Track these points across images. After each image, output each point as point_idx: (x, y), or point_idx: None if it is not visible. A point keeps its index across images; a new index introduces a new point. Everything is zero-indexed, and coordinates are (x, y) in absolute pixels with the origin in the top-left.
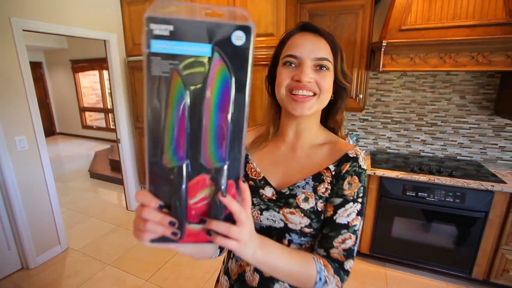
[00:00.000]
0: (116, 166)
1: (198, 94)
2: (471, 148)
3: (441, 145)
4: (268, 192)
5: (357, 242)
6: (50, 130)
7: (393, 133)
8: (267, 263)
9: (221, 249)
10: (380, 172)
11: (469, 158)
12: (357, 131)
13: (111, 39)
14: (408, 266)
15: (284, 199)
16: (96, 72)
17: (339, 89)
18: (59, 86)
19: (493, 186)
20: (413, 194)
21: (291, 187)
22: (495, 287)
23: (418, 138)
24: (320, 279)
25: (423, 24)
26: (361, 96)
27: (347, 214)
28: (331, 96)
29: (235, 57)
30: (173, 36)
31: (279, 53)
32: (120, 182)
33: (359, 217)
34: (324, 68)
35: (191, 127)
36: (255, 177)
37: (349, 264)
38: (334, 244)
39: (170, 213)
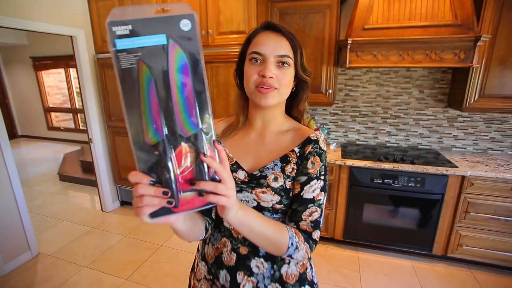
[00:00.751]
0: (88, 167)
1: (163, 75)
2: (430, 137)
3: (404, 136)
4: (240, 175)
5: (323, 214)
6: (10, 133)
7: (362, 125)
8: (247, 223)
9: (206, 230)
10: (350, 162)
11: (428, 147)
12: (328, 125)
13: (79, 35)
14: (378, 249)
15: (255, 180)
16: (62, 70)
17: (300, 82)
18: (19, 85)
19: (447, 171)
20: (380, 181)
21: (261, 169)
22: (452, 261)
23: (384, 130)
24: (292, 244)
25: (383, 24)
26: (330, 91)
27: (312, 190)
28: (293, 88)
29: (186, 40)
30: (133, 34)
31: (245, 50)
32: (93, 183)
33: (323, 192)
34: (286, 65)
35: (163, 104)
36: (229, 162)
37: (316, 234)
38: (303, 217)
39: (162, 186)
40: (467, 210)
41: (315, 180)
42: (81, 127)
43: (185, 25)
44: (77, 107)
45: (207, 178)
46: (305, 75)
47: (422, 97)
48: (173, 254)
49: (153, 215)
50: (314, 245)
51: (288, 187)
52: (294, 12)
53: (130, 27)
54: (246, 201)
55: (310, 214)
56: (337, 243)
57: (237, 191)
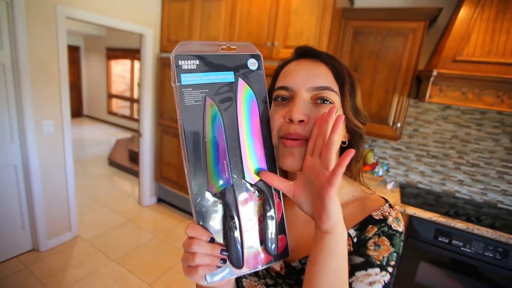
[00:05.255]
0: (134, 157)
1: (231, 113)
2: None
3: (481, 189)
4: (276, 265)
5: None
6: (78, 112)
7: (428, 167)
8: (335, 254)
9: None
10: (411, 211)
11: (511, 208)
12: (387, 160)
13: (147, 34)
14: None
15: (295, 275)
16: (128, 62)
17: (351, 132)
18: (92, 71)
19: None
20: (446, 241)
21: (303, 260)
22: None
23: (455, 177)
24: None
25: (482, 57)
26: (399, 124)
27: (369, 282)
28: (344, 142)
29: (253, 79)
30: (199, 69)
31: (272, 89)
32: (136, 174)
33: None
34: (327, 102)
35: (230, 145)
36: None
37: None
38: None
39: (221, 244)
40: None
41: (378, 270)
42: (135, 116)
43: (253, 64)
44: (135, 97)
45: (273, 231)
46: (358, 122)
47: None
48: None
49: (211, 276)
50: None
51: None
52: (370, 33)
53: (197, 62)
54: None
55: None
56: None
57: (271, 286)
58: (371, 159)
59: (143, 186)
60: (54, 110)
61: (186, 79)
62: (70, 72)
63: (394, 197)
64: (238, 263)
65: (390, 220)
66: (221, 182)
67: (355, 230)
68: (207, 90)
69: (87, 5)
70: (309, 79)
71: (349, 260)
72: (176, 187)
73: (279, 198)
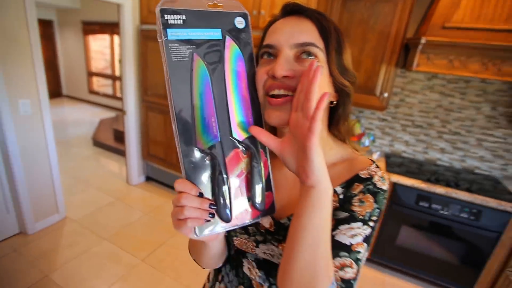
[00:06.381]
0: (119, 136)
1: (218, 71)
2: (492, 162)
3: (461, 156)
4: (265, 222)
5: (358, 276)
6: (56, 92)
7: (412, 137)
8: (314, 213)
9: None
10: (395, 178)
11: (487, 173)
12: (373, 131)
13: (125, 4)
14: (408, 275)
15: (283, 232)
16: (107, 37)
17: (338, 92)
18: (69, 47)
19: None
20: (427, 205)
21: (291, 217)
22: None
23: (438, 145)
24: (333, 284)
25: (470, 23)
26: (386, 94)
27: (351, 234)
28: (332, 102)
29: (240, 38)
30: (186, 25)
31: (260, 49)
32: (122, 153)
33: (365, 244)
34: (312, 56)
35: (218, 103)
36: None
37: None
38: None
39: (209, 199)
40: None
41: (360, 224)
42: (118, 95)
43: (240, 22)
44: (117, 74)
45: (261, 185)
46: (345, 80)
47: (494, 115)
48: None
49: (200, 230)
50: None
51: None
52: (359, 0)
53: (184, 17)
54: (271, 255)
55: (342, 267)
56: None
57: (260, 242)
58: (357, 129)
59: (130, 165)
60: (29, 88)
61: (173, 34)
62: (45, 49)
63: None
64: (226, 218)
65: (376, 178)
66: (209, 138)
67: (342, 187)
68: (194, 46)
69: None
70: (292, 36)
71: (334, 215)
72: (164, 164)
73: (266, 156)
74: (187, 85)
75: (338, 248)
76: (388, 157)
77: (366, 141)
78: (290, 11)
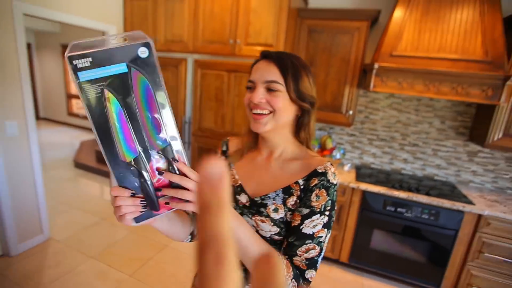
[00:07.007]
0: (102, 157)
1: (129, 100)
2: (447, 169)
3: (421, 165)
4: (243, 198)
5: (322, 253)
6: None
7: (378, 149)
8: (235, 234)
9: (192, 236)
10: (364, 186)
11: (444, 179)
12: (344, 145)
13: (110, 31)
14: (384, 277)
15: (256, 207)
16: None
17: (301, 108)
18: (47, 70)
19: (464, 207)
20: (393, 209)
21: (263, 197)
22: None
23: (401, 156)
24: None
25: (412, 52)
26: (350, 112)
27: (313, 225)
28: (297, 114)
29: (145, 66)
30: (93, 65)
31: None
32: (104, 174)
33: (325, 229)
34: (273, 90)
35: (133, 126)
36: (233, 183)
37: (310, 274)
38: (298, 252)
39: (141, 196)
40: (481, 250)
41: (318, 215)
42: None
43: (143, 52)
44: None
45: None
46: (302, 102)
47: (443, 128)
48: (177, 255)
49: (138, 219)
50: (305, 286)
51: (289, 219)
52: (322, 31)
53: (90, 59)
54: None
55: (307, 251)
56: (342, 265)
57: (239, 214)
58: (329, 144)
59: (114, 184)
60: (16, 110)
61: (83, 76)
62: None
63: (350, 177)
64: (155, 208)
65: (329, 174)
66: (130, 153)
67: (303, 180)
68: (104, 82)
69: (46, 1)
70: (262, 75)
71: (299, 211)
72: None
73: (183, 158)
74: (104, 115)
75: (304, 238)
76: (358, 168)
77: (338, 155)
78: (263, 56)
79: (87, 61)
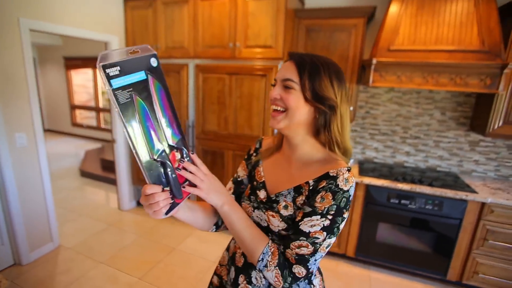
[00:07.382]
0: (107, 165)
1: (150, 102)
2: (449, 160)
3: (423, 157)
4: (261, 194)
5: (316, 254)
6: None
7: (380, 144)
8: (229, 219)
9: (217, 226)
10: (367, 180)
11: (447, 170)
12: None
13: (112, 41)
14: (391, 269)
15: (270, 203)
16: (89, 70)
17: (317, 109)
18: (50, 82)
19: (467, 196)
20: (397, 202)
21: (277, 194)
22: None
23: (403, 149)
24: (262, 259)
25: (409, 46)
26: (351, 108)
27: (311, 225)
28: (315, 115)
29: (156, 73)
30: (121, 73)
31: None
32: (111, 181)
33: (325, 232)
34: (288, 88)
35: (155, 124)
36: (258, 179)
37: (298, 269)
38: (291, 246)
39: (168, 190)
40: (486, 238)
41: (319, 217)
42: (102, 126)
43: (154, 62)
44: (101, 106)
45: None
46: (317, 103)
47: (444, 119)
48: (186, 258)
49: (167, 212)
50: (289, 278)
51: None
52: (320, 30)
53: (118, 68)
54: (260, 219)
55: (299, 247)
56: (348, 260)
57: (256, 208)
58: None
59: (121, 190)
60: (25, 122)
61: (116, 83)
62: None
63: (354, 172)
64: (180, 196)
65: (340, 179)
66: (156, 149)
67: (313, 181)
68: (131, 88)
69: (50, 16)
70: (282, 74)
71: (303, 209)
72: None
73: (192, 153)
74: (135, 119)
75: (299, 234)
76: (361, 163)
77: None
78: (289, 56)
79: (116, 70)
